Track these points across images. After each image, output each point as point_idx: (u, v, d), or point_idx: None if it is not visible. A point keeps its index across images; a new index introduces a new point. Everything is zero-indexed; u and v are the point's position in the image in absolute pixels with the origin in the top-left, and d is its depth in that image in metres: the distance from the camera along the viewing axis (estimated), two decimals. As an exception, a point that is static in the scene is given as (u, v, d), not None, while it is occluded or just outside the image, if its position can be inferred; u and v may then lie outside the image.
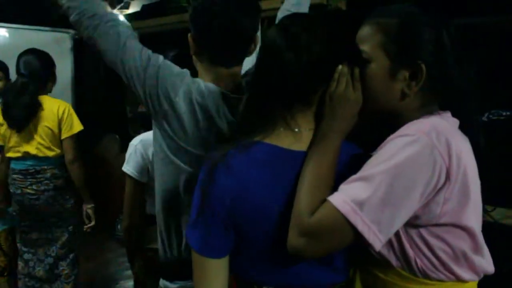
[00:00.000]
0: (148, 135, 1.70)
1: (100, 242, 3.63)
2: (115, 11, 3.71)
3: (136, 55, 1.19)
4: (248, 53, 1.28)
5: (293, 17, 0.95)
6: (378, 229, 0.81)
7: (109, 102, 4.44)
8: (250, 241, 0.91)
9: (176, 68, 1.22)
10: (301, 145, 0.93)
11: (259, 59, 0.95)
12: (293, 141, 0.93)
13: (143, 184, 1.69)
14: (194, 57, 1.29)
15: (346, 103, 0.92)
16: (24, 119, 2.41)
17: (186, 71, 1.23)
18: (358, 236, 0.81)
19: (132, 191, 1.69)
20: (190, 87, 1.18)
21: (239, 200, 0.88)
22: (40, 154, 2.48)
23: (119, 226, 3.79)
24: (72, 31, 4.14)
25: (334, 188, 0.86)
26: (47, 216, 2.53)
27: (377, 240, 0.81)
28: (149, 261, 1.77)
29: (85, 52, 4.26)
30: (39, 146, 2.48)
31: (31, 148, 2.46)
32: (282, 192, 0.89)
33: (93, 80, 4.63)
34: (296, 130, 0.94)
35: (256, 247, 0.92)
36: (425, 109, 0.94)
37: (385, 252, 0.90)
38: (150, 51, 1.22)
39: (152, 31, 3.84)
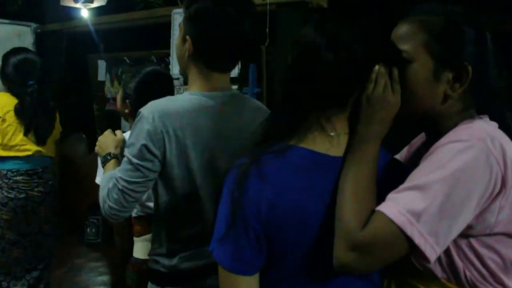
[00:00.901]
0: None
1: (70, 247, 3.49)
2: (78, 5, 3.56)
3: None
4: (240, 61, 1.30)
5: (330, 14, 0.89)
6: (435, 241, 0.76)
7: (73, 99, 4.27)
8: (285, 253, 0.85)
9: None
10: (337, 150, 0.88)
11: (294, 58, 0.88)
12: (329, 145, 0.88)
13: None
14: (185, 59, 1.25)
15: (385, 106, 0.87)
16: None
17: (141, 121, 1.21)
18: (413, 249, 0.76)
19: None
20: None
21: (275, 209, 0.82)
22: (49, 153, 2.45)
23: (88, 230, 3.66)
24: (34, 25, 3.92)
25: (378, 197, 0.81)
26: (40, 223, 2.41)
27: (433, 253, 0.76)
28: (143, 273, 1.71)
29: (48, 46, 4.07)
30: (50, 144, 2.45)
31: (42, 146, 2.39)
32: (321, 200, 0.84)
33: (57, 76, 4.44)
34: (332, 134, 0.88)
35: (292, 259, 0.86)
36: (466, 113, 0.90)
37: (431, 264, 0.84)
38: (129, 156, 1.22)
39: (118, 27, 3.70)
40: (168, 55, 3.45)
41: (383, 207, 0.78)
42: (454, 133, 0.85)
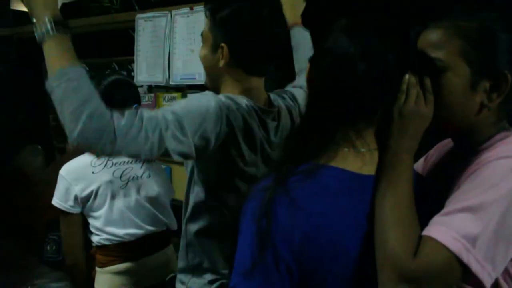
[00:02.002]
0: (74, 161, 1.63)
1: (29, 269, 3.25)
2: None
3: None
4: (278, 62, 1.25)
5: (361, 22, 0.83)
6: (492, 268, 0.71)
7: (27, 109, 4.02)
8: (318, 284, 0.77)
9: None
10: (370, 168, 0.82)
11: (325, 69, 0.81)
12: (361, 163, 0.81)
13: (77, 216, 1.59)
14: (219, 69, 1.19)
15: (418, 119, 0.81)
16: None
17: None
18: (469, 276, 0.71)
19: (65, 225, 1.61)
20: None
21: (310, 239, 0.74)
22: None
23: (48, 247, 3.43)
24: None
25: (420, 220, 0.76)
26: None
27: (490, 279, 0.72)
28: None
29: (-4, 53, 3.82)
30: None
31: None
32: (357, 225, 0.77)
33: (8, 84, 4.18)
34: (363, 150, 0.82)
35: None
36: (500, 124, 0.86)
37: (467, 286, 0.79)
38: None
39: (75, 32, 3.51)
40: (131, 61, 3.32)
41: (435, 233, 0.73)
42: (501, 148, 0.81)
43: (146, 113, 1.03)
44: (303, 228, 0.75)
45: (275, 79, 1.42)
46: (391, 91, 0.82)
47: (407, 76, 0.82)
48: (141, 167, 1.74)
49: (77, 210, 1.61)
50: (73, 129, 0.93)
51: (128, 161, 1.70)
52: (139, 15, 2.93)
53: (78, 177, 1.57)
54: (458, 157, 0.92)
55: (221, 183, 1.19)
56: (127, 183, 1.66)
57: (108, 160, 1.61)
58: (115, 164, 1.66)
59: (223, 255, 1.22)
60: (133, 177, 1.69)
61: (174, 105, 1.09)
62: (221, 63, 1.17)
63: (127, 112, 1.01)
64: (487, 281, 0.72)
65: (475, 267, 0.71)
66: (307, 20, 2.76)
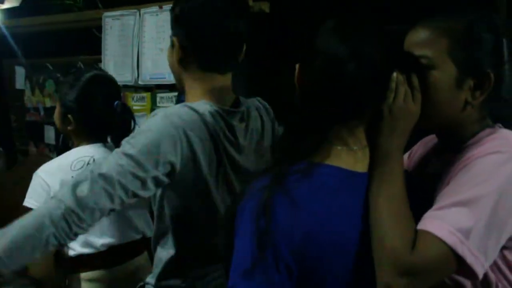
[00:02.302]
0: (53, 162, 1.50)
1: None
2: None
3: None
4: (240, 57, 1.19)
5: (349, 23, 0.84)
6: (485, 258, 0.74)
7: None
8: (318, 284, 0.77)
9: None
10: (362, 165, 0.83)
11: (317, 70, 0.82)
12: (354, 161, 0.83)
13: None
14: (176, 66, 1.17)
15: (407, 116, 0.83)
16: None
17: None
18: (463, 268, 0.74)
19: None
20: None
21: (311, 238, 0.75)
22: None
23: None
24: None
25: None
26: None
27: (482, 269, 0.75)
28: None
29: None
30: None
31: None
32: (356, 222, 0.78)
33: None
34: (355, 148, 0.84)
35: None
36: (484, 121, 0.90)
37: (461, 277, 0.82)
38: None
39: (39, 30, 3.40)
40: (97, 60, 3.24)
41: (430, 227, 0.75)
42: (489, 144, 0.84)
43: (99, 170, 1.00)
44: (303, 228, 0.75)
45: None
46: (380, 89, 0.84)
47: (395, 74, 0.84)
48: None
49: None
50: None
51: None
52: (106, 14, 2.87)
53: (57, 179, 1.45)
54: (443, 153, 0.94)
55: (189, 200, 1.14)
56: None
57: (89, 164, 1.54)
58: None
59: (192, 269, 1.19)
60: None
61: (125, 145, 1.05)
62: (175, 58, 1.15)
63: (80, 184, 0.99)
64: (480, 271, 0.75)
65: (469, 259, 0.73)
66: (292, 22, 2.78)
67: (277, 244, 0.74)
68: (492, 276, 0.83)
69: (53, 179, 1.43)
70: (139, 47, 2.77)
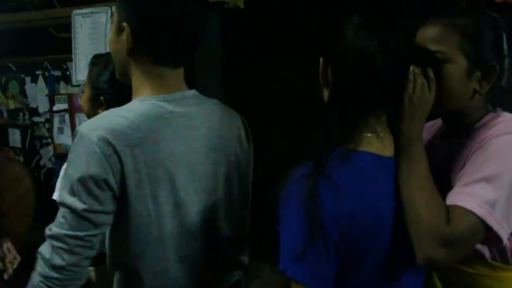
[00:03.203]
0: None
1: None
2: None
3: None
4: (194, 50, 1.07)
5: (375, 18, 0.90)
6: (508, 225, 0.84)
7: None
8: (360, 261, 0.85)
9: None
10: (389, 150, 0.92)
11: (349, 64, 0.88)
12: (382, 146, 0.91)
13: None
14: (124, 55, 1.02)
15: (425, 104, 0.92)
16: None
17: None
18: (491, 235, 0.84)
19: None
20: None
21: (355, 219, 0.82)
22: None
23: None
24: None
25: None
26: None
27: (506, 235, 0.85)
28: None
29: None
30: None
31: None
32: (390, 200, 0.86)
33: None
34: (382, 134, 0.91)
35: (365, 266, 0.85)
36: (487, 107, 1.00)
37: (479, 246, 0.93)
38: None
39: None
40: (65, 60, 3.16)
41: (460, 202, 0.84)
42: (500, 126, 0.94)
43: (49, 232, 0.95)
44: (347, 209, 0.82)
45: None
46: (403, 79, 0.92)
47: (411, 67, 0.92)
48: None
49: None
50: None
51: None
52: (76, 11, 2.80)
53: None
54: (450, 137, 1.04)
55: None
56: None
57: None
58: None
59: None
60: None
61: (59, 196, 0.95)
62: (125, 47, 1.00)
63: (42, 252, 0.95)
64: (505, 237, 0.85)
65: (496, 227, 0.84)
66: (267, 18, 2.81)
67: (325, 226, 0.80)
68: (508, 242, 0.93)
69: None
70: (112, 45, 2.73)
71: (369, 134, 0.90)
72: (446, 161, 1.00)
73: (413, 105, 0.92)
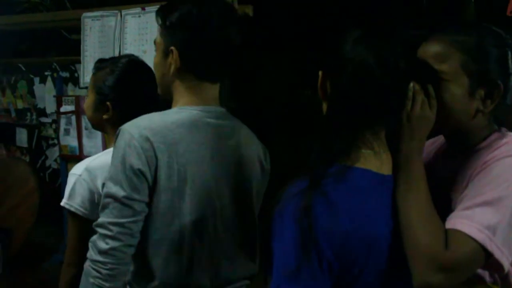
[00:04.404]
0: (94, 161, 1.37)
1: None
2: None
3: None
4: (232, 68, 1.20)
5: (375, 32, 0.89)
6: (509, 252, 0.82)
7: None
8: (354, 280, 0.82)
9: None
10: (387, 168, 0.89)
11: (345, 77, 0.86)
12: (379, 164, 0.88)
13: (91, 223, 1.29)
14: (170, 75, 1.15)
15: (424, 123, 0.90)
16: None
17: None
18: (491, 262, 0.81)
19: (80, 232, 1.31)
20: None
21: (350, 237, 0.80)
22: None
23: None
24: None
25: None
26: None
27: (508, 262, 0.82)
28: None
29: None
30: None
31: None
32: (386, 220, 0.84)
33: None
34: (380, 151, 0.89)
35: (361, 284, 0.83)
36: (491, 126, 0.97)
37: (480, 270, 0.89)
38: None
39: (9, 30, 3.29)
40: (73, 62, 3.18)
41: (460, 226, 0.82)
42: (504, 147, 0.91)
43: (100, 221, 1.09)
44: (342, 227, 0.79)
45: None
46: (402, 96, 0.89)
47: (411, 84, 0.89)
48: None
49: (95, 216, 1.41)
50: None
51: None
52: (85, 14, 2.82)
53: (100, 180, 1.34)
54: (453, 157, 1.01)
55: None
56: None
57: None
58: None
59: None
60: None
61: (106, 189, 1.09)
62: (172, 68, 1.14)
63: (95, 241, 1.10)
64: (506, 264, 0.82)
65: (497, 254, 0.81)
66: (275, 26, 2.81)
67: (320, 244, 0.78)
68: (510, 268, 0.89)
69: (89, 174, 1.32)
70: (121, 49, 2.74)
71: (366, 151, 0.87)
72: (447, 181, 0.96)
73: (411, 123, 0.88)
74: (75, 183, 1.32)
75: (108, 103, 1.38)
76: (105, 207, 1.08)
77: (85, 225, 1.30)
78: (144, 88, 1.40)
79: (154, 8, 2.66)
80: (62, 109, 3.03)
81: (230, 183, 1.18)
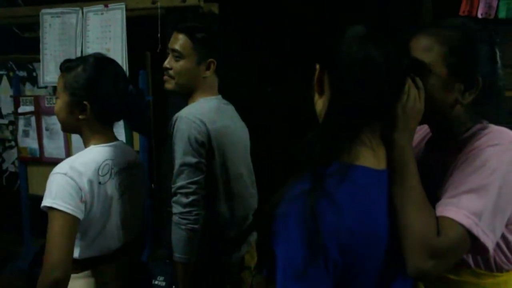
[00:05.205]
0: (78, 159, 1.33)
1: None
2: None
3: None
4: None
5: (379, 29, 0.89)
6: (493, 235, 0.87)
7: None
8: (355, 276, 0.84)
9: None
10: (383, 163, 0.91)
11: (350, 73, 0.85)
12: (377, 160, 0.90)
13: (78, 221, 1.30)
14: (200, 78, 1.59)
15: (417, 114, 0.93)
16: None
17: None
18: (478, 245, 0.86)
19: (67, 231, 1.26)
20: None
21: (355, 236, 0.81)
22: None
23: None
24: None
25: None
26: None
27: (492, 245, 0.87)
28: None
29: None
30: None
31: None
32: (386, 216, 0.86)
33: None
34: (376, 147, 0.90)
35: (361, 279, 0.85)
36: (475, 118, 1.01)
37: (464, 255, 0.95)
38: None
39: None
40: (31, 60, 3.06)
41: (449, 213, 0.86)
42: (487, 137, 0.96)
43: (177, 183, 1.51)
44: (347, 226, 0.80)
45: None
46: (401, 90, 0.91)
47: (409, 79, 0.92)
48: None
49: (82, 215, 1.33)
50: None
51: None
52: (44, 10, 2.71)
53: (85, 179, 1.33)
54: (438, 147, 1.06)
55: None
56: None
57: (112, 169, 1.41)
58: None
59: None
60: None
61: (181, 160, 1.49)
62: (206, 74, 1.60)
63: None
64: (491, 247, 0.88)
65: (482, 238, 0.86)
66: (241, 23, 2.79)
67: (326, 244, 0.79)
68: (492, 251, 0.93)
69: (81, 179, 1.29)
70: (83, 47, 2.66)
71: (364, 148, 0.88)
72: (434, 170, 1.01)
73: (406, 116, 0.92)
74: (61, 182, 1.27)
75: (85, 102, 1.35)
76: (181, 173, 1.48)
77: (72, 222, 1.27)
78: (118, 84, 1.38)
79: (118, 5, 2.62)
80: (20, 110, 2.90)
81: (244, 151, 1.73)
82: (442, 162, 1.00)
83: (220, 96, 1.67)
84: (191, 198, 1.47)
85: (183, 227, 1.47)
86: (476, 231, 0.85)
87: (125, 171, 1.46)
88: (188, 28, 1.54)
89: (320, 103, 0.93)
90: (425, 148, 1.13)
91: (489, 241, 0.86)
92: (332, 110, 0.89)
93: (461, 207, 0.86)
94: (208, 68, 1.57)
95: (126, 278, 1.47)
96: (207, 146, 1.51)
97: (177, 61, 1.57)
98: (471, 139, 0.98)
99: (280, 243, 0.82)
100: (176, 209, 1.48)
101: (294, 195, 0.82)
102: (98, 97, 1.35)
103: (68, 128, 1.43)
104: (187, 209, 1.47)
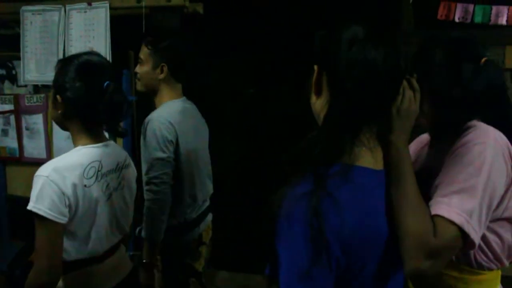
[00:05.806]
0: (61, 161, 1.32)
1: None
2: None
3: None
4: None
5: (378, 31, 0.90)
6: (481, 232, 0.91)
7: None
8: (355, 276, 0.85)
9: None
10: (380, 164, 0.93)
11: (355, 77, 0.86)
12: (372, 159, 0.91)
13: (63, 227, 1.28)
14: (158, 82, 1.95)
15: (412, 116, 0.95)
16: None
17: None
18: (466, 242, 0.90)
19: (53, 236, 1.26)
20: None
21: (357, 236, 0.83)
22: None
23: None
24: None
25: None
26: None
27: (478, 241, 0.91)
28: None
29: None
30: None
31: None
32: (386, 216, 0.88)
33: None
34: (374, 148, 0.92)
35: (361, 279, 0.87)
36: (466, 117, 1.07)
37: None
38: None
39: None
40: (11, 58, 2.98)
41: (442, 212, 0.90)
42: (474, 134, 1.00)
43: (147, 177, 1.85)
44: (350, 225, 0.82)
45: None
46: (397, 91, 0.93)
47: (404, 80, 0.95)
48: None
49: (65, 220, 1.32)
50: None
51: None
52: (24, 7, 2.66)
53: (69, 183, 1.32)
54: (434, 145, 1.14)
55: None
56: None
57: (99, 172, 1.40)
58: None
59: None
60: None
61: (153, 155, 1.82)
62: (161, 77, 1.92)
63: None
64: (478, 242, 0.92)
65: (473, 235, 0.90)
66: (226, 23, 2.80)
67: (330, 243, 0.80)
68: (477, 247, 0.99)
69: (58, 175, 1.27)
70: (65, 45, 2.62)
71: (363, 148, 0.90)
72: (427, 166, 1.07)
73: (401, 116, 0.93)
74: (43, 185, 1.26)
75: (58, 96, 1.34)
76: (154, 166, 1.79)
77: (55, 228, 1.26)
78: (93, 82, 1.36)
79: (102, 4, 2.59)
80: (-1, 109, 2.84)
81: (203, 143, 2.09)
82: (432, 160, 1.04)
83: (184, 98, 2.01)
84: (161, 187, 1.78)
85: (154, 211, 1.78)
86: (467, 228, 0.89)
87: (114, 172, 1.45)
88: (146, 39, 1.93)
89: (318, 104, 0.94)
90: (420, 150, 1.19)
91: (477, 237, 0.91)
92: (333, 111, 0.90)
93: (453, 206, 0.91)
94: (162, 72, 1.90)
95: (114, 278, 1.47)
96: (175, 143, 1.82)
97: (140, 66, 1.95)
98: (459, 135, 1.03)
99: (284, 244, 0.83)
100: (148, 195, 1.79)
101: (297, 196, 0.83)
102: (69, 93, 1.34)
103: (59, 125, 1.43)
104: (157, 196, 1.77)
